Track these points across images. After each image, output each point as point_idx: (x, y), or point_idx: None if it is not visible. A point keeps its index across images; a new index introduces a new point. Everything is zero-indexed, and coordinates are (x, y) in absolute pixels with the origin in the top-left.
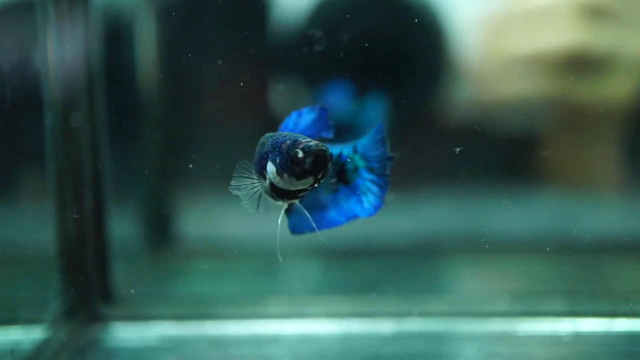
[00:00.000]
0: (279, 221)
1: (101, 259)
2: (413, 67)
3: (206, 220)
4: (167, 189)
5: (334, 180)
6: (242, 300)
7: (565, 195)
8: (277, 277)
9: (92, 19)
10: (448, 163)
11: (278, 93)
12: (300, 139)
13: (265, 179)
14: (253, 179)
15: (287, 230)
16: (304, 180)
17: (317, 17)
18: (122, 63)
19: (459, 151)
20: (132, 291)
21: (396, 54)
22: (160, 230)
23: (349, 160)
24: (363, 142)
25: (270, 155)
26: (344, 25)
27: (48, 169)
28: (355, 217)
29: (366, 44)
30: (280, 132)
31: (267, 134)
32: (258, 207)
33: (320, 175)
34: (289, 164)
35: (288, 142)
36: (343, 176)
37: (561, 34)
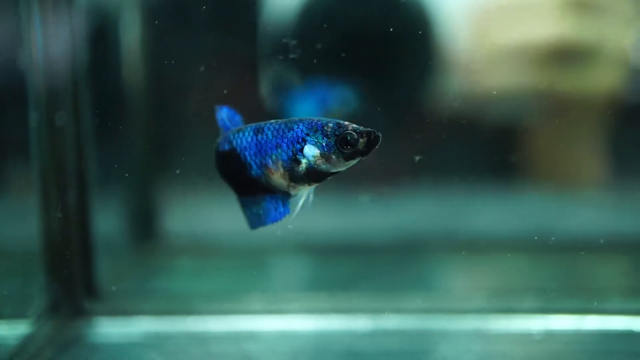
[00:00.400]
0: (300, 203)
1: (85, 254)
2: (399, 60)
3: (189, 217)
4: (151, 187)
5: None
6: (223, 296)
7: (545, 192)
8: (258, 274)
9: (76, 17)
10: (428, 159)
11: (266, 90)
12: (340, 121)
13: (298, 163)
14: (294, 170)
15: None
16: (351, 162)
17: (303, 11)
18: (107, 61)
19: (419, 160)
20: (114, 288)
21: (382, 46)
22: (144, 227)
23: None
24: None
25: (310, 138)
26: (328, 18)
27: (32, 165)
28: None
29: (352, 37)
30: (297, 118)
31: (278, 121)
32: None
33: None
34: (339, 146)
35: (331, 124)
36: None
37: (547, 26)
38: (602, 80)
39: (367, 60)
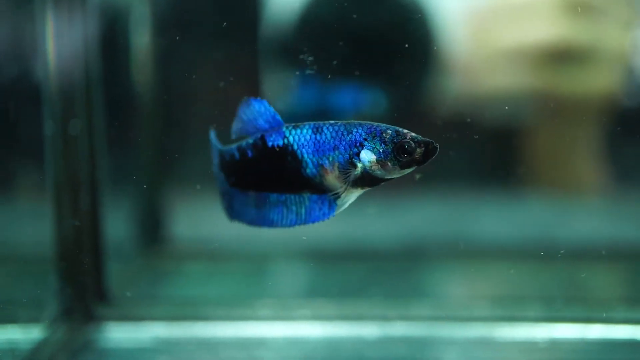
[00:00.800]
0: (346, 206)
1: (97, 260)
2: (398, 61)
3: (199, 223)
4: (161, 193)
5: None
6: (232, 302)
7: (547, 198)
8: (267, 279)
9: (90, 25)
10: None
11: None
12: (399, 129)
13: (354, 167)
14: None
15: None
16: (406, 170)
17: (306, 13)
18: (119, 69)
19: (419, 178)
20: (128, 293)
21: (382, 47)
22: (154, 233)
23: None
24: None
25: (367, 143)
26: (330, 21)
27: (47, 172)
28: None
29: (352, 38)
30: (356, 121)
31: (337, 122)
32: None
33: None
34: (395, 154)
35: (389, 131)
36: None
37: (546, 28)
38: (601, 81)
39: (367, 61)
